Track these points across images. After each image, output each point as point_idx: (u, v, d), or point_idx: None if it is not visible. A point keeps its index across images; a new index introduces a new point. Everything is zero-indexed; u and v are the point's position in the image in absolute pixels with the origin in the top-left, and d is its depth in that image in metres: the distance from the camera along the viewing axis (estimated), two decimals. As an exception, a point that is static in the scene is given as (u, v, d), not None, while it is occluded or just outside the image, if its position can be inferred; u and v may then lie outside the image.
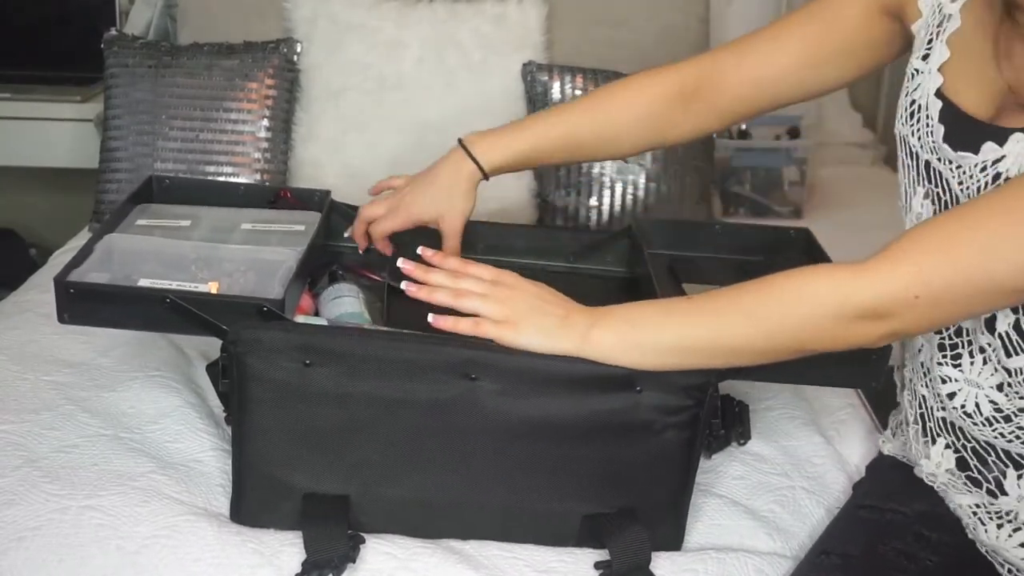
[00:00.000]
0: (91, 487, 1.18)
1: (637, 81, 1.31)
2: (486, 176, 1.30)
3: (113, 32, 2.06)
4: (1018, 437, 1.04)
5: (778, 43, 1.22)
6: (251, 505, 1.15)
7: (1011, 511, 1.07)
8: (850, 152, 2.51)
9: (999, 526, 1.08)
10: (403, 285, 1.12)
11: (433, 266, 1.13)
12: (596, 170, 1.95)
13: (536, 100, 1.99)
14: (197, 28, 2.13)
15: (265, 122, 1.97)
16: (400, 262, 1.13)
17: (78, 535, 1.13)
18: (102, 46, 2.01)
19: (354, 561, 1.10)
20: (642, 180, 1.95)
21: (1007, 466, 1.06)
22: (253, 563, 1.11)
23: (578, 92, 1.98)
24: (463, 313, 1.09)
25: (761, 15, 2.45)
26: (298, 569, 1.09)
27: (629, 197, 1.95)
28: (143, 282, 1.18)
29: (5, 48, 2.44)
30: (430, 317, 1.09)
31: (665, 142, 1.33)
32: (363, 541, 1.13)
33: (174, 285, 1.17)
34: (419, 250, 1.15)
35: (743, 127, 2.31)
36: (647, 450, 1.12)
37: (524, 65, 2.01)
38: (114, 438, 1.27)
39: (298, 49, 2.01)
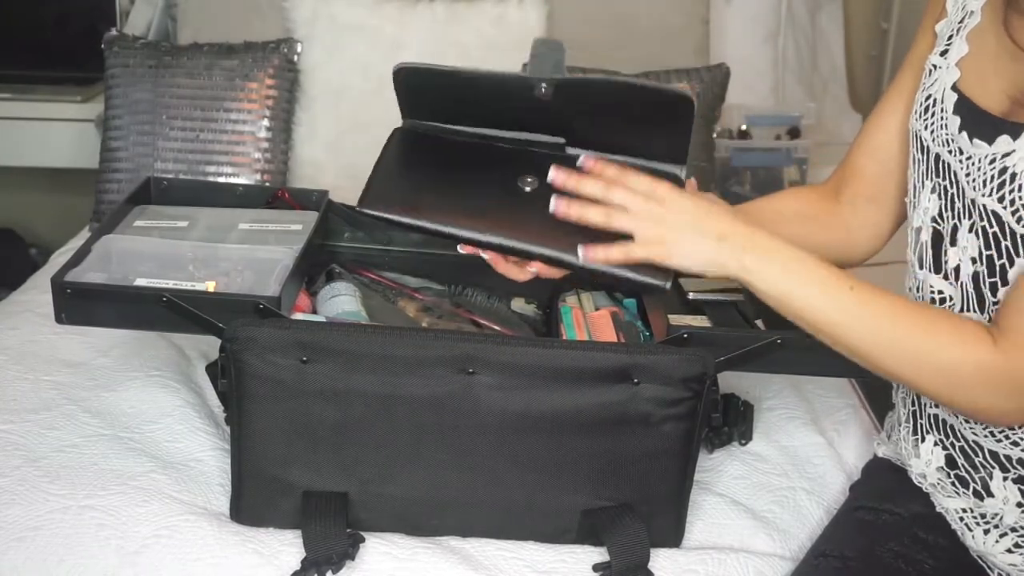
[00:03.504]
0: (91, 487, 1.19)
1: (791, 189, 1.29)
2: None
3: (113, 32, 2.07)
4: (1007, 437, 1.04)
5: (884, 104, 1.20)
6: (250, 504, 1.15)
7: (997, 514, 1.07)
8: (850, 152, 2.51)
9: (986, 532, 1.08)
10: (552, 205, 1.06)
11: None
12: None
13: (536, 100, 1.99)
14: (197, 28, 2.13)
15: (265, 122, 1.97)
16: (552, 170, 1.06)
17: (78, 535, 1.13)
18: (102, 46, 2.01)
19: (353, 558, 1.10)
20: (642, 180, 1.95)
21: (994, 467, 1.06)
22: (253, 563, 1.11)
23: (578, 92, 1.97)
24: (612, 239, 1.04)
25: (761, 15, 2.45)
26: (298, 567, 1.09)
27: (629, 197, 1.95)
28: (140, 281, 1.18)
29: (5, 48, 2.45)
30: (579, 249, 1.05)
31: (831, 243, 1.24)
32: (363, 539, 1.13)
33: (171, 284, 1.17)
34: (580, 161, 1.07)
35: (743, 127, 2.30)
36: (645, 442, 1.12)
37: (524, 65, 2.01)
38: (114, 438, 1.28)
39: (298, 49, 2.02)
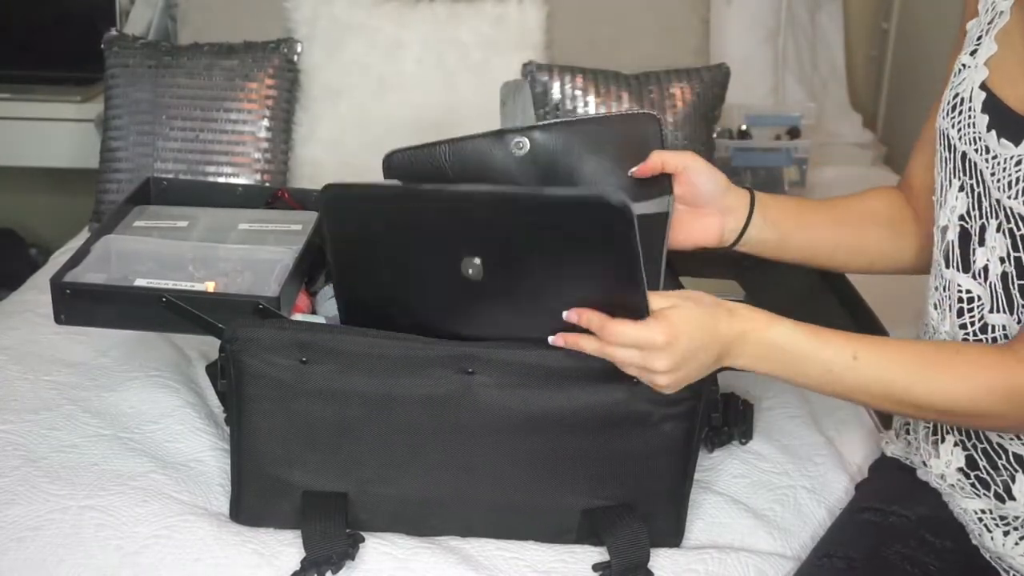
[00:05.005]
0: (91, 487, 1.18)
1: (880, 190, 1.29)
2: (752, 196, 1.21)
3: (113, 32, 2.06)
4: None
5: (933, 114, 1.19)
6: (250, 504, 1.15)
7: (1018, 517, 1.06)
8: (850, 152, 2.51)
9: (1005, 533, 1.07)
10: (551, 340, 1.06)
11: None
12: (596, 170, 1.95)
13: (536, 100, 1.99)
14: (197, 28, 2.13)
15: (265, 122, 1.97)
16: (551, 340, 1.05)
17: (78, 535, 1.13)
18: (102, 46, 2.01)
19: (352, 559, 1.10)
20: (642, 179, 1.95)
21: (1017, 470, 1.05)
22: (253, 563, 1.11)
23: (578, 92, 1.98)
24: None
25: (761, 15, 2.45)
26: (297, 568, 1.09)
27: (629, 196, 1.95)
28: (139, 282, 1.18)
29: (5, 48, 2.45)
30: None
31: (917, 247, 1.24)
32: (362, 539, 1.13)
33: (171, 285, 1.17)
34: (564, 315, 1.04)
35: (743, 127, 2.30)
36: (645, 442, 1.12)
37: (524, 65, 2.01)
38: (114, 438, 1.28)
39: (298, 49, 2.02)
